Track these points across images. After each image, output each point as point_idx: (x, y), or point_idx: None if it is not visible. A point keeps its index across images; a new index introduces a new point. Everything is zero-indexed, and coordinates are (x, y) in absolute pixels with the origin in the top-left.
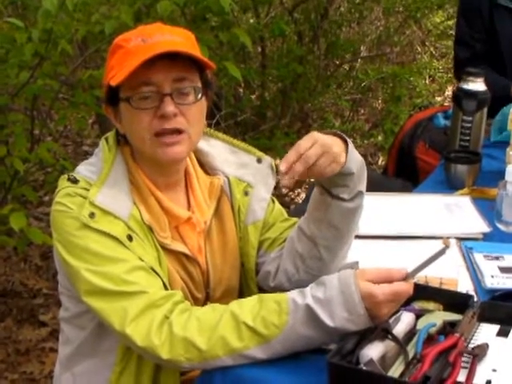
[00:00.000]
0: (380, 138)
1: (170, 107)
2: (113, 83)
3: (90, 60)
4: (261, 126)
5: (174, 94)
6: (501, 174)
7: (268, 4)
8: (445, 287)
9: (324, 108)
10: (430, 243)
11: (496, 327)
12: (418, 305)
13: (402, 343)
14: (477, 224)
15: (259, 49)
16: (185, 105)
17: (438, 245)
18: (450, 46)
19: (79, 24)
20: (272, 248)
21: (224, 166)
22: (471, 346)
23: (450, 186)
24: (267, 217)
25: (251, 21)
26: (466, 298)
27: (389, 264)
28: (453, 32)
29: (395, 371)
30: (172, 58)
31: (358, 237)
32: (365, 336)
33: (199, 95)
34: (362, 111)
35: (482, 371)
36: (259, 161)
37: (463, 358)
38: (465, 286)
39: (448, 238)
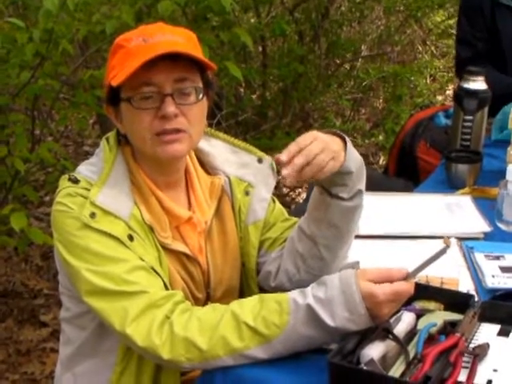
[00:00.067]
0: (381, 137)
1: (170, 108)
2: (114, 83)
3: (91, 60)
4: (262, 125)
5: (175, 95)
6: (502, 174)
7: (269, 3)
8: (446, 287)
9: (325, 107)
10: (430, 243)
11: (497, 327)
12: (418, 304)
13: (403, 343)
14: (478, 223)
15: (260, 48)
16: (186, 105)
17: (438, 244)
18: (451, 45)
19: (80, 24)
20: (273, 248)
21: (225, 165)
22: (472, 345)
23: (451, 185)
24: (268, 217)
25: (252, 20)
26: (467, 297)
27: (389, 264)
28: (454, 31)
29: (396, 371)
30: (173, 59)
31: (359, 236)
32: (366, 336)
33: (200, 95)
34: (363, 111)
35: (483, 371)
36: (260, 161)
37: (464, 358)
38: (466, 285)
39: (449, 237)
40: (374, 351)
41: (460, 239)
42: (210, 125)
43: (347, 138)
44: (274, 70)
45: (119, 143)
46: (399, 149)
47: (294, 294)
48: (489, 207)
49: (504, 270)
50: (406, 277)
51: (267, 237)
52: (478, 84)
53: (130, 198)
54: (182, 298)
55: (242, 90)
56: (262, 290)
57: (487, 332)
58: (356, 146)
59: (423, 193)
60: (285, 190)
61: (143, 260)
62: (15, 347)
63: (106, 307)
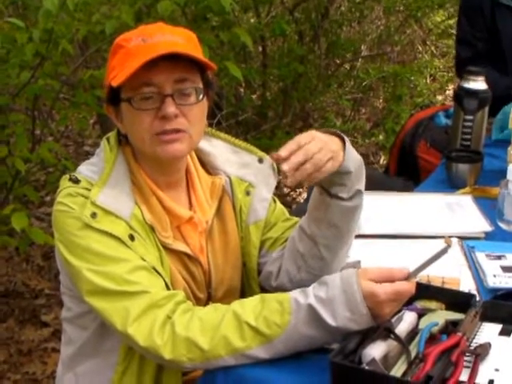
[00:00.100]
0: (381, 137)
1: (171, 108)
2: (114, 84)
3: (91, 60)
4: (262, 125)
5: (175, 95)
6: (502, 173)
7: (269, 3)
8: (447, 286)
9: (325, 107)
10: (431, 242)
11: (498, 326)
12: (420, 304)
13: (405, 342)
14: (478, 223)
15: (260, 48)
16: (186, 105)
17: (439, 244)
18: (451, 44)
19: (80, 24)
20: (274, 248)
21: (225, 165)
22: (473, 345)
23: (452, 185)
24: (269, 216)
25: (252, 20)
26: (468, 297)
27: (391, 263)
28: (453, 31)
29: (397, 371)
30: (173, 59)
31: (360, 236)
32: (367, 335)
33: (200, 96)
34: (363, 110)
35: (485, 370)
36: (260, 161)
37: (465, 358)
38: (467, 285)
39: (450, 237)
40: (375, 351)
41: (461, 239)
42: (210, 125)
43: (346, 138)
44: (274, 69)
45: (120, 143)
46: (399, 148)
47: (296, 294)
48: (490, 207)
49: (505, 269)
50: (408, 276)
51: (268, 237)
52: (478, 84)
53: (131, 198)
54: (183, 297)
55: (242, 90)
56: (264, 290)
57: (489, 331)
58: (356, 145)
59: (424, 192)
60: (286, 190)
61: (144, 260)
62: (17, 347)
63: (108, 307)
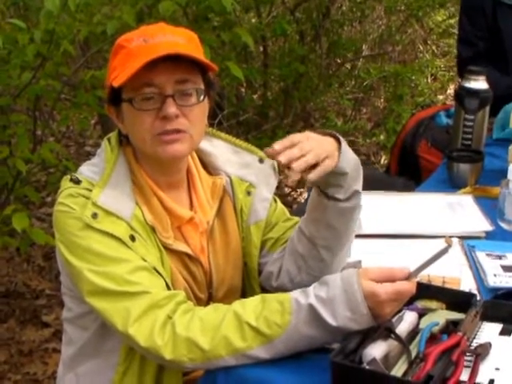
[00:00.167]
0: (382, 136)
1: (171, 109)
2: (115, 84)
3: (92, 60)
4: (263, 125)
5: (176, 96)
6: (503, 173)
7: (270, 3)
8: (447, 286)
9: (326, 107)
10: (432, 242)
11: (499, 326)
12: (420, 304)
13: (405, 342)
14: (479, 223)
15: (261, 48)
16: (187, 106)
17: (440, 244)
18: (452, 44)
19: (81, 24)
20: (275, 248)
21: (226, 165)
22: (474, 344)
23: (453, 184)
24: (269, 216)
25: (253, 20)
26: (469, 296)
27: (391, 263)
28: (455, 30)
29: (398, 370)
30: (174, 60)
31: (361, 236)
32: (368, 335)
33: (201, 97)
34: (364, 110)
35: (485, 370)
36: (261, 161)
37: (466, 357)
38: (467, 284)
39: (450, 236)
40: (376, 350)
41: (462, 238)
42: (211, 125)
43: (341, 139)
44: (275, 69)
45: (121, 143)
46: (400, 148)
47: (296, 294)
48: (490, 206)
49: (506, 269)
50: (408, 276)
51: (269, 237)
52: (479, 83)
53: (132, 199)
54: (184, 298)
55: (243, 90)
56: (264, 290)
57: (489, 331)
58: (357, 145)
59: (425, 192)
60: (286, 190)
61: (145, 260)
62: (17, 348)
63: (108, 307)
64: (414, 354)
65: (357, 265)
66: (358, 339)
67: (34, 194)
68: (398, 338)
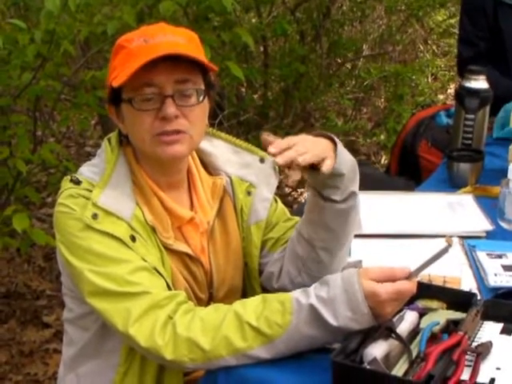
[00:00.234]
0: (382, 136)
1: (171, 109)
2: (115, 84)
3: (93, 61)
4: (263, 125)
5: (175, 96)
6: (503, 172)
7: (270, 3)
8: (448, 285)
9: (326, 107)
10: (432, 242)
11: (499, 325)
12: (421, 303)
13: (406, 342)
14: (479, 222)
15: (261, 48)
16: (187, 107)
17: (440, 243)
18: (452, 44)
19: (81, 25)
20: (275, 248)
21: (226, 165)
22: (475, 344)
23: (453, 184)
24: (270, 216)
25: (253, 20)
26: (470, 296)
27: (392, 263)
28: (455, 30)
29: (399, 370)
30: (174, 60)
31: (361, 236)
32: (368, 335)
33: (201, 97)
34: (365, 110)
35: (486, 369)
36: (262, 160)
37: (467, 357)
38: (468, 284)
39: (451, 236)
40: (376, 350)
41: (462, 238)
42: (211, 125)
43: (337, 140)
44: (276, 69)
45: (121, 143)
46: (401, 148)
47: (297, 294)
48: (491, 206)
49: (506, 268)
50: (409, 276)
51: (269, 237)
52: (479, 83)
53: (132, 199)
54: (184, 298)
55: (243, 90)
56: (265, 290)
57: (490, 330)
58: (358, 145)
59: (425, 192)
60: (287, 190)
61: (145, 260)
62: (18, 348)
63: (109, 308)
64: (414, 354)
65: (357, 265)
66: (358, 339)
67: (34, 195)
68: (398, 337)
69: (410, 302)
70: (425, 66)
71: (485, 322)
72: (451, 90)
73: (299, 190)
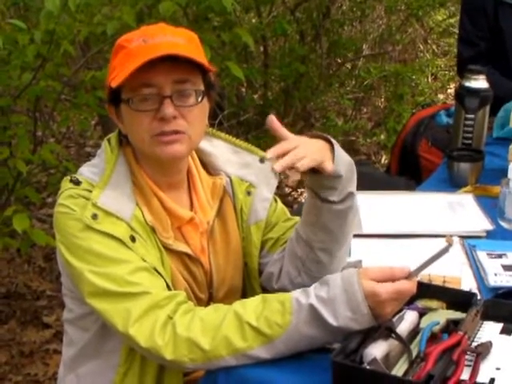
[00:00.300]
0: (383, 136)
1: (169, 110)
2: (113, 84)
3: (93, 61)
4: (263, 125)
5: (174, 96)
6: (503, 172)
7: (270, 3)
8: (448, 285)
9: (326, 107)
10: (432, 241)
11: (499, 325)
12: (421, 303)
13: (406, 342)
14: (480, 222)
15: (261, 48)
16: (185, 107)
17: (441, 243)
18: (452, 43)
19: (81, 25)
20: (275, 248)
21: (226, 166)
22: (475, 344)
23: (453, 184)
24: (270, 216)
25: (253, 20)
26: (470, 296)
27: (392, 262)
28: (455, 30)
29: (399, 370)
30: (173, 61)
31: (361, 235)
32: (368, 335)
33: (200, 98)
34: (365, 110)
35: (486, 369)
36: (262, 161)
37: (467, 357)
38: (468, 284)
39: (451, 236)
40: (376, 350)
41: (462, 237)
42: (211, 125)
43: (334, 141)
44: (276, 69)
45: (121, 143)
46: (401, 148)
47: (297, 294)
48: (491, 205)
49: (506, 268)
50: (409, 275)
51: (269, 237)
52: (479, 82)
53: (132, 199)
54: (184, 298)
55: (243, 90)
56: (265, 290)
57: (490, 330)
58: (358, 145)
59: (425, 191)
60: (287, 190)
61: (145, 261)
62: (18, 349)
63: (109, 308)
64: (414, 354)
65: (357, 264)
66: (358, 339)
67: (34, 195)
68: (398, 337)
69: (409, 302)
70: (425, 66)
71: (485, 322)
72: (451, 90)
73: (299, 190)
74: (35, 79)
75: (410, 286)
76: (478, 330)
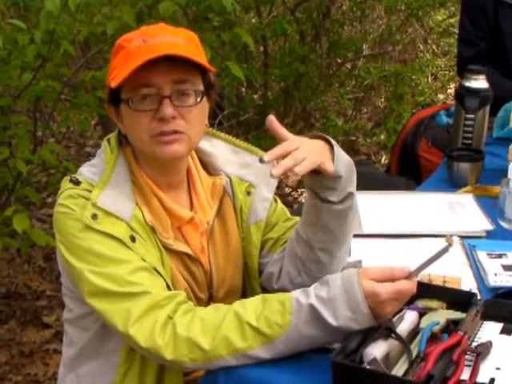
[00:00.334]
0: (383, 136)
1: (168, 110)
2: (113, 84)
3: (93, 61)
4: (263, 125)
5: (173, 96)
6: (503, 172)
7: (270, 3)
8: (448, 285)
9: (326, 107)
10: (433, 241)
11: (499, 325)
12: (421, 303)
13: (406, 342)
14: (480, 222)
15: (261, 48)
16: (185, 107)
17: (441, 243)
18: (452, 43)
19: (81, 25)
20: (275, 248)
21: (226, 166)
22: (475, 344)
23: (453, 184)
24: (270, 216)
25: (253, 20)
26: (470, 296)
27: (392, 262)
28: (455, 30)
29: (399, 370)
30: (172, 61)
31: (361, 236)
32: (368, 335)
33: (199, 98)
34: (365, 110)
35: (486, 369)
36: (262, 160)
37: (467, 357)
38: (468, 284)
39: (451, 235)
40: (376, 350)
41: (462, 237)
42: (211, 125)
43: (333, 142)
44: (276, 69)
45: (120, 144)
46: (401, 148)
47: (297, 294)
48: (491, 205)
49: (506, 268)
50: (409, 275)
51: (269, 237)
52: (479, 82)
53: (132, 199)
54: (184, 298)
55: (243, 90)
56: (265, 290)
57: (490, 330)
58: (358, 145)
59: (425, 191)
60: (287, 190)
61: (145, 261)
62: (18, 349)
63: (109, 308)
64: (414, 354)
65: (357, 264)
66: (358, 339)
67: (34, 195)
68: (398, 337)
69: (409, 302)
70: (425, 66)
71: (485, 322)
72: (451, 90)
73: (299, 190)
74: (35, 79)
75: (410, 286)
76: (478, 330)
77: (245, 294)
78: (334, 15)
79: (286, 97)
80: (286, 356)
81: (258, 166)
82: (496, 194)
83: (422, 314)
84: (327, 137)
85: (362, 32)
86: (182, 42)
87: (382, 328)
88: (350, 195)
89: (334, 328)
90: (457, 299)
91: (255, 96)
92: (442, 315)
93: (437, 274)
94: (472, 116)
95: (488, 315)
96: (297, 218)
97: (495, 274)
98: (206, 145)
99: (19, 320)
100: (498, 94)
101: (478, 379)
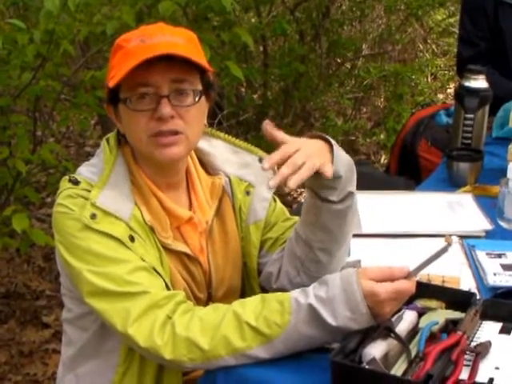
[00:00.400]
0: (382, 136)
1: (166, 109)
2: (110, 84)
3: (92, 61)
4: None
5: (171, 96)
6: (503, 172)
7: (269, 3)
8: (447, 285)
9: (326, 107)
10: (432, 241)
11: (498, 325)
12: (420, 303)
13: (405, 341)
14: (479, 222)
15: (261, 48)
16: (183, 107)
17: (440, 243)
18: (452, 43)
19: (81, 25)
20: (274, 248)
21: (225, 165)
22: (474, 343)
23: (452, 183)
24: (269, 216)
25: (253, 20)
26: (469, 295)
27: (391, 262)
28: (455, 29)
29: (398, 370)
30: (171, 60)
31: (360, 235)
32: (367, 335)
33: (197, 98)
34: (364, 110)
35: (485, 369)
36: (261, 160)
37: (466, 356)
38: (467, 283)
39: (450, 235)
40: (375, 350)
41: (461, 237)
42: (211, 125)
43: (333, 142)
44: (275, 69)
45: (119, 143)
46: (400, 147)
47: (296, 294)
48: (490, 205)
49: (505, 267)
50: (408, 275)
51: (268, 237)
52: (479, 82)
53: (131, 199)
54: (183, 298)
55: (243, 89)
56: (264, 290)
57: (489, 330)
58: (357, 144)
59: (425, 191)
60: (286, 190)
61: (144, 260)
62: (18, 348)
63: (108, 308)
64: (413, 353)
65: (356, 264)
66: (357, 339)
67: (33, 195)
68: (397, 337)
69: (408, 302)
70: (424, 66)
71: (484, 322)
72: (451, 90)
73: (299, 190)
74: (35, 79)
75: (409, 286)
76: (477, 330)
77: (244, 293)
78: (333, 15)
79: (286, 96)
80: (285, 356)
81: (258, 166)
82: (495, 194)
83: (421, 313)
84: (327, 137)
85: (361, 32)
86: (181, 41)
87: (381, 328)
88: (350, 194)
89: (333, 328)
90: (456, 299)
91: (255, 96)
92: (441, 315)
93: (436, 273)
94: (471, 116)
95: (487, 315)
96: (296, 218)
97: (494, 274)
98: (205, 144)
99: (18, 320)
100: (497, 94)
101: (477, 379)
